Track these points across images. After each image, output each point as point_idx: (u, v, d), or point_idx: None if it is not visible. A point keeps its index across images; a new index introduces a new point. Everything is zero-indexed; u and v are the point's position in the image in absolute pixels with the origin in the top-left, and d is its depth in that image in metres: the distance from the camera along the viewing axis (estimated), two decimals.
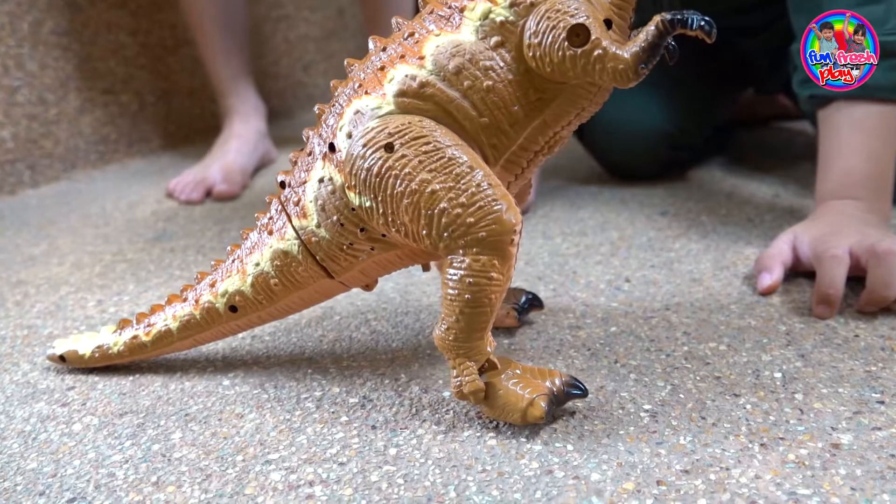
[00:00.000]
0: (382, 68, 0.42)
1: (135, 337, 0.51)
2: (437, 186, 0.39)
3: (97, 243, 0.85)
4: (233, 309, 0.48)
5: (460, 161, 0.39)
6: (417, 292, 0.64)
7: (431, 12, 0.42)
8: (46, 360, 0.54)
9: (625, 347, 0.53)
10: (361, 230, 0.43)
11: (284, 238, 0.46)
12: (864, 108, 0.59)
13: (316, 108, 0.45)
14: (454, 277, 0.40)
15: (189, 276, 0.73)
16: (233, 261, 0.49)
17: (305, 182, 0.44)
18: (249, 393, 0.50)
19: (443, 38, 0.41)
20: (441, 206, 0.39)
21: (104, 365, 0.53)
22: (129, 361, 0.53)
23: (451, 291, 0.40)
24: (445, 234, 0.39)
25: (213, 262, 0.50)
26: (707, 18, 0.37)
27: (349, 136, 0.41)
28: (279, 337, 0.58)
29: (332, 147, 0.43)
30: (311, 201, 0.44)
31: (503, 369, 0.43)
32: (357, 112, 0.41)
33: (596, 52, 0.38)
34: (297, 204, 0.45)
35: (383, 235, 0.43)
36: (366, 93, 0.41)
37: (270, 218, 0.47)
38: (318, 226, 0.44)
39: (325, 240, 0.44)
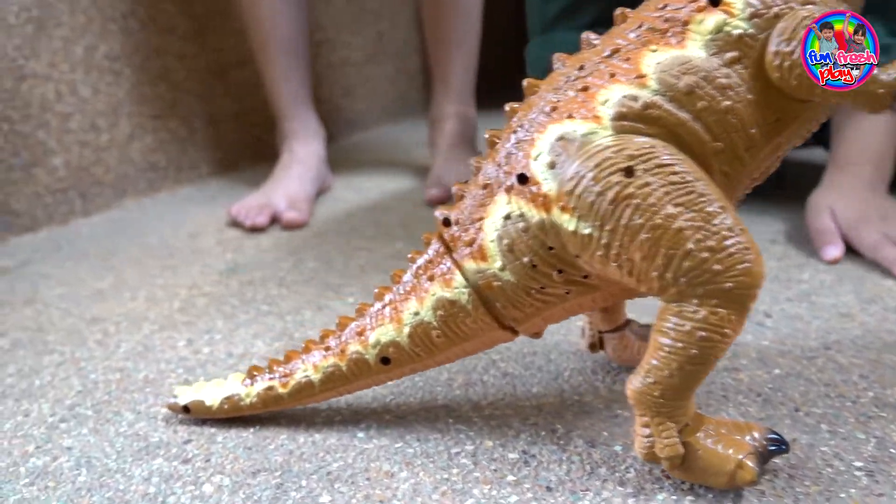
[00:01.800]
0: (585, 89, 0.37)
1: (270, 388, 0.45)
2: (685, 224, 0.34)
3: (166, 276, 0.80)
4: (385, 361, 0.43)
5: (710, 198, 0.34)
6: None
7: (640, 26, 0.37)
8: (167, 408, 0.49)
9: (799, 392, 0.47)
10: (559, 272, 0.38)
11: (451, 285, 0.41)
12: None
13: (487, 135, 0.41)
14: (681, 328, 0.35)
15: (277, 310, 0.68)
16: (384, 306, 0.43)
17: (482, 219, 0.39)
18: (391, 447, 0.45)
19: (664, 55, 0.36)
20: (687, 247, 0.34)
21: (233, 417, 0.47)
22: (261, 413, 0.47)
23: (670, 343, 0.35)
24: (683, 279, 0.34)
25: (357, 305, 0.45)
26: None
27: (552, 165, 0.36)
28: (403, 381, 0.53)
29: (522, 178, 0.38)
30: (492, 241, 0.39)
31: (697, 426, 0.38)
32: (562, 139, 0.36)
33: None
34: (469, 244, 0.40)
35: (584, 277, 0.38)
36: (569, 117, 0.37)
37: (430, 261, 0.42)
38: (503, 269, 0.39)
39: (510, 284, 0.39)
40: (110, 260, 0.87)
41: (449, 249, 0.41)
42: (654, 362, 0.36)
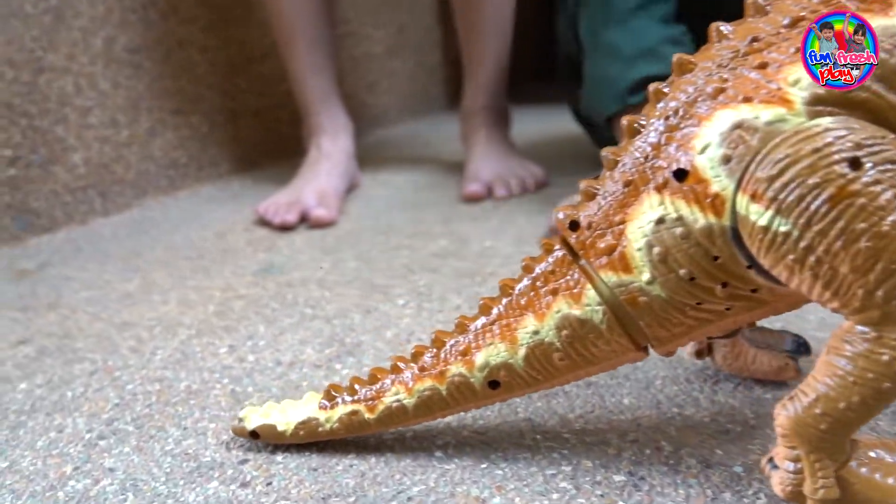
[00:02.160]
0: (764, 66, 0.31)
1: (354, 412, 0.40)
2: None
3: (198, 277, 0.75)
4: (493, 384, 0.37)
5: None
6: None
7: None
8: (233, 433, 0.43)
9: None
10: (723, 285, 0.32)
11: (580, 301, 0.35)
12: None
13: (625, 121, 0.35)
14: (878, 357, 0.29)
15: (323, 314, 0.63)
16: (492, 322, 0.37)
17: (624, 222, 0.33)
18: (476, 468, 0.40)
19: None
20: None
21: (308, 442, 0.42)
22: (342, 438, 0.42)
23: (858, 372, 0.29)
24: (895, 302, 0.28)
25: (456, 320, 0.39)
26: None
27: (727, 160, 0.30)
28: None
29: (680, 174, 0.32)
30: (639, 249, 0.33)
31: (850, 453, 0.33)
32: (739, 126, 0.30)
33: None
34: (608, 252, 0.34)
35: (753, 291, 0.32)
36: (745, 100, 0.31)
37: (552, 272, 0.36)
38: (651, 282, 0.33)
39: (659, 300, 0.33)
40: (135, 261, 0.82)
41: (576, 257, 0.36)
42: (828, 391, 0.30)
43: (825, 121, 0.29)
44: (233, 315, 0.64)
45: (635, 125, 0.34)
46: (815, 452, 0.31)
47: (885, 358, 0.29)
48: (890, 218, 0.28)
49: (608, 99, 0.86)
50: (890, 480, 0.32)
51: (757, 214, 0.30)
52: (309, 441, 0.41)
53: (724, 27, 0.33)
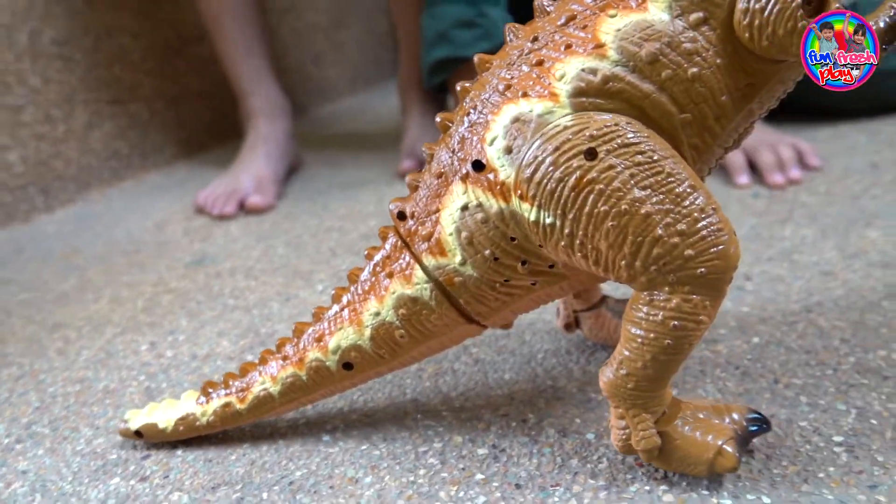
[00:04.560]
0: (540, 63, 0.34)
1: (227, 405, 0.43)
2: (653, 208, 0.31)
3: (133, 273, 0.77)
4: (347, 366, 0.41)
5: (680, 178, 0.32)
6: None
7: None
8: (120, 435, 0.46)
9: (779, 363, 0.46)
10: (523, 263, 0.35)
11: (411, 281, 0.38)
12: None
13: (438, 118, 0.37)
14: (654, 318, 0.32)
15: (245, 304, 0.65)
16: (342, 309, 0.41)
17: (438, 211, 0.37)
18: (357, 450, 0.43)
19: (623, 20, 0.33)
20: (656, 232, 0.31)
21: (189, 437, 0.45)
22: (220, 431, 0.45)
23: (643, 333, 0.33)
24: (653, 267, 0.32)
25: (313, 310, 0.42)
26: None
27: (509, 150, 0.34)
28: None
29: (477, 165, 0.35)
30: (450, 234, 0.36)
31: (674, 413, 0.36)
32: (517, 120, 0.33)
33: None
34: (427, 238, 0.37)
35: (550, 267, 0.36)
36: (524, 95, 0.34)
37: (388, 257, 0.39)
38: (463, 263, 0.36)
39: (473, 279, 0.36)
40: (75, 259, 0.84)
41: (407, 244, 0.39)
42: (627, 353, 0.34)
43: (563, 120, 0.33)
44: (159, 310, 0.67)
45: (447, 122, 0.37)
46: (632, 409, 0.35)
47: (660, 317, 0.32)
48: (628, 197, 0.32)
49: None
50: (708, 437, 0.36)
51: (527, 211, 0.34)
52: (189, 436, 0.44)
53: (514, 29, 0.36)
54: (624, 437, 0.36)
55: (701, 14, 0.33)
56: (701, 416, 0.37)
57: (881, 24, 0.31)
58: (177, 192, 1.07)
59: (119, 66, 1.14)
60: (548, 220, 0.33)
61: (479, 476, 0.39)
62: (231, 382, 0.43)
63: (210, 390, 0.44)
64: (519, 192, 0.34)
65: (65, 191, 1.06)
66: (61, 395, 0.53)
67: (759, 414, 0.38)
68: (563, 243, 0.34)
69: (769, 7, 0.31)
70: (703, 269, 0.32)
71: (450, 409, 0.46)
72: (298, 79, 1.53)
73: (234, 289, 0.69)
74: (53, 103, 1.04)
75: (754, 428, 0.37)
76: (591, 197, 0.32)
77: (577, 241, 0.33)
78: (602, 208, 0.32)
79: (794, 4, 0.31)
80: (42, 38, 1.02)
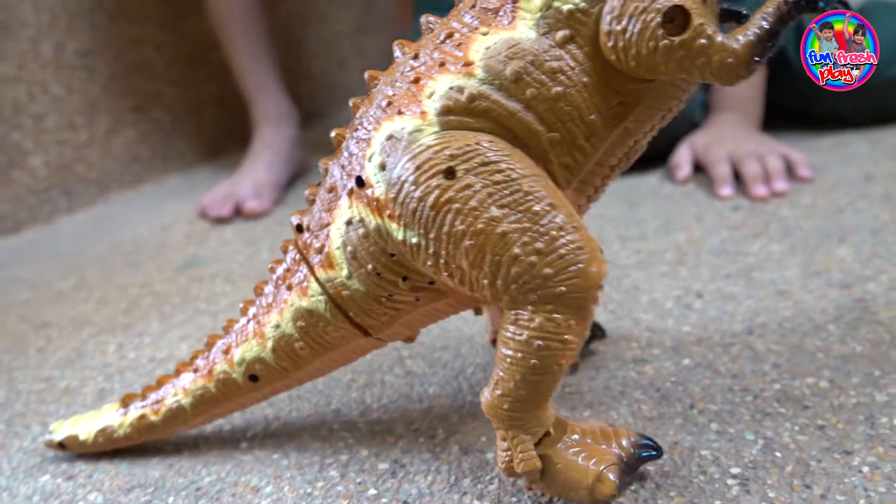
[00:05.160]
0: (417, 80, 0.34)
1: (142, 417, 0.44)
2: (510, 227, 0.31)
3: (126, 274, 0.81)
4: (253, 378, 0.42)
5: (538, 196, 0.31)
6: (458, 320, 0.57)
7: (473, 6, 0.34)
8: (46, 447, 0.47)
9: (701, 387, 0.44)
10: (404, 279, 0.36)
11: (307, 294, 0.38)
12: None
13: (333, 133, 0.38)
14: (519, 338, 0.32)
15: (215, 309, 0.68)
16: (248, 321, 0.41)
17: (328, 224, 0.37)
18: (268, 458, 0.44)
19: (493, 38, 0.33)
20: (513, 251, 0.31)
21: (111, 449, 0.46)
22: (139, 443, 0.46)
23: (511, 353, 0.33)
24: (514, 287, 0.32)
25: (224, 323, 0.43)
26: None
27: (382, 167, 0.34)
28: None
29: (359, 181, 0.35)
30: (337, 248, 0.37)
31: (559, 436, 0.36)
32: (390, 137, 0.34)
33: (699, 42, 0.30)
34: (319, 252, 0.38)
35: (430, 283, 0.36)
36: (399, 113, 0.34)
37: (288, 269, 0.40)
38: (349, 277, 0.37)
39: (360, 293, 0.37)
40: (78, 259, 0.89)
41: (304, 256, 0.40)
42: (501, 374, 0.34)
43: (428, 139, 0.33)
44: (138, 312, 0.70)
45: (340, 137, 0.38)
46: (511, 430, 0.35)
47: (524, 337, 0.32)
48: (485, 215, 0.31)
49: None
50: (591, 463, 0.35)
51: (395, 230, 0.34)
52: (108, 448, 0.46)
53: (401, 45, 0.36)
54: (507, 458, 0.36)
55: (567, 32, 0.32)
56: (588, 440, 0.37)
57: (750, 38, 0.30)
58: (192, 194, 1.11)
59: (142, 75, 1.19)
60: (413, 240, 0.33)
61: (372, 491, 0.40)
62: (147, 394, 0.45)
63: (129, 402, 0.45)
64: (388, 210, 0.34)
65: (87, 193, 1.12)
66: (26, 393, 0.57)
67: (650, 440, 0.37)
68: (429, 262, 0.34)
69: (630, 28, 0.31)
70: (562, 288, 0.31)
71: (367, 421, 0.46)
72: (324, 84, 1.56)
73: (210, 293, 0.72)
74: (76, 111, 1.10)
75: (644, 454, 0.36)
76: (450, 216, 0.32)
77: (442, 261, 0.33)
78: (460, 227, 0.32)
79: (653, 24, 0.30)
80: (66, 51, 1.08)
